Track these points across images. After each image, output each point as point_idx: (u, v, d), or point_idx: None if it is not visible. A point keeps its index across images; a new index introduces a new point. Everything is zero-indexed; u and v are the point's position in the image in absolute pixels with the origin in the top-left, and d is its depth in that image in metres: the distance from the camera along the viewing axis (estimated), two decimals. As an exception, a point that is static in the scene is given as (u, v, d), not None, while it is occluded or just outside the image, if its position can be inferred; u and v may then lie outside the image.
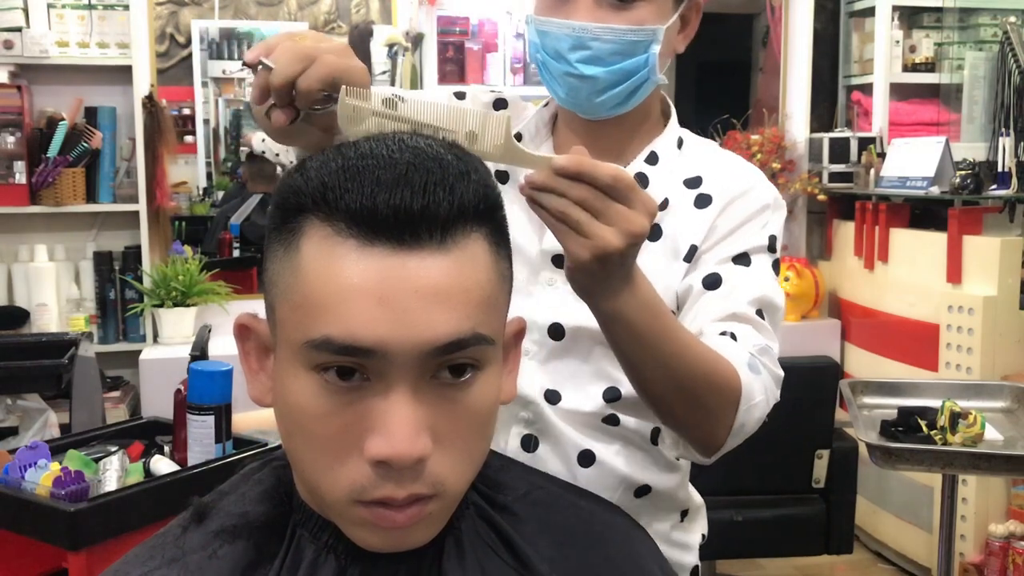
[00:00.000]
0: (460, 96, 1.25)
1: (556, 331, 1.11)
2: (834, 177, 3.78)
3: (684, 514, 1.21)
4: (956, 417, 2.10)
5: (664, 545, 1.15)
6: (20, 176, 3.28)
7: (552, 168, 0.81)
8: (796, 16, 3.98)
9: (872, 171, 3.65)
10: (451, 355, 0.68)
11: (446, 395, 0.70)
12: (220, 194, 3.65)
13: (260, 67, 0.92)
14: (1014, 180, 3.16)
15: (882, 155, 3.68)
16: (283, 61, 0.90)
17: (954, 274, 3.15)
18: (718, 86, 4.43)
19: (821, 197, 3.82)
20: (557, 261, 1.10)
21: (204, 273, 3.34)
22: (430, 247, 0.67)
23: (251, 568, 0.76)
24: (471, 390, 0.71)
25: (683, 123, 1.21)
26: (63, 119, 3.33)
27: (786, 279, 3.63)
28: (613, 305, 0.88)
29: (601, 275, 0.85)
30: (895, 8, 3.84)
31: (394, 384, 0.68)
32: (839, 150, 3.78)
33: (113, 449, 1.69)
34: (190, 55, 3.54)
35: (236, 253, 3.59)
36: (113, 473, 1.59)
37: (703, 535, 1.25)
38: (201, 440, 1.62)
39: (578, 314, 1.04)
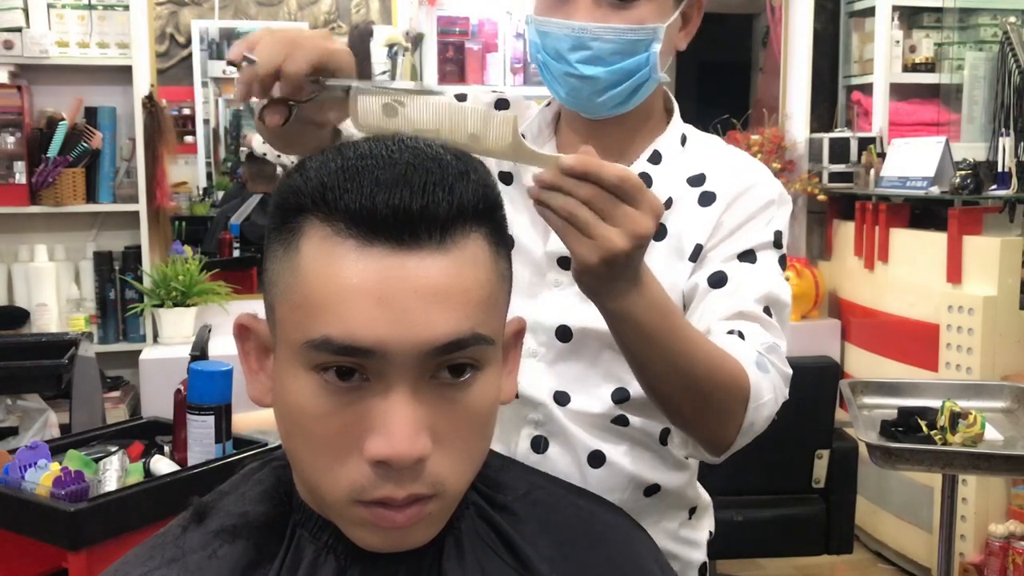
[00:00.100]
0: (461, 98, 1.24)
1: (563, 333, 1.10)
2: (834, 177, 3.78)
3: (692, 511, 1.21)
4: (956, 417, 2.10)
5: (673, 542, 1.17)
6: (20, 176, 3.28)
7: (559, 167, 0.81)
8: (796, 16, 3.98)
9: (872, 171, 3.65)
10: (451, 355, 0.68)
11: (446, 395, 0.70)
12: (220, 194, 3.65)
13: (244, 63, 0.92)
14: (1014, 180, 3.16)
15: (882, 155, 3.68)
16: (266, 51, 0.91)
17: (954, 274, 3.15)
18: (718, 86, 4.43)
19: (821, 197, 3.82)
20: (563, 263, 1.10)
21: (204, 273, 3.34)
22: (429, 247, 0.67)
23: (251, 568, 0.76)
24: (471, 390, 0.71)
25: (684, 122, 1.21)
26: (63, 119, 3.33)
27: (786, 279, 3.62)
28: (621, 305, 0.88)
29: (607, 276, 0.84)
30: (895, 8, 3.84)
31: (394, 384, 0.68)
32: (839, 150, 3.78)
33: (113, 449, 1.69)
34: (190, 55, 3.54)
35: (236, 253, 3.59)
36: (113, 473, 1.59)
37: (710, 532, 1.25)
38: (201, 440, 1.62)
39: (585, 316, 1.04)
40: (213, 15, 3.56)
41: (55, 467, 1.51)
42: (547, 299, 1.11)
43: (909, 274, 3.38)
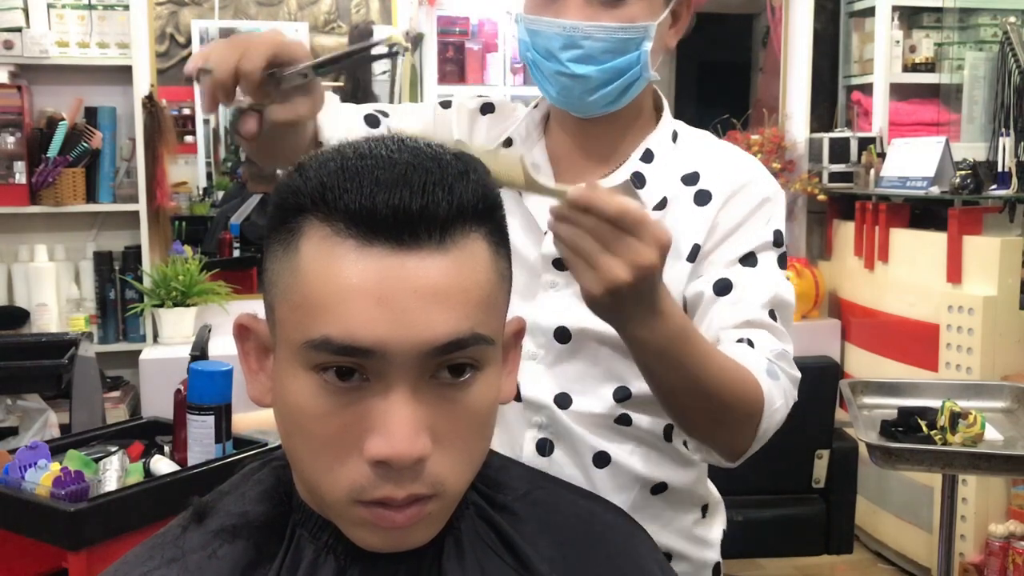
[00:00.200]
0: (446, 105, 1.24)
1: (562, 334, 1.10)
2: (834, 177, 3.78)
3: (704, 509, 1.21)
4: (956, 417, 2.10)
5: (686, 543, 1.16)
6: (20, 176, 3.28)
7: (567, 199, 0.81)
8: (796, 16, 3.98)
9: (872, 171, 3.65)
10: (450, 355, 0.68)
11: (445, 395, 0.70)
12: (220, 194, 3.65)
13: (202, 74, 0.94)
14: (1014, 180, 3.16)
15: (882, 155, 3.69)
16: (219, 56, 0.93)
17: (954, 274, 3.15)
18: (718, 86, 4.43)
19: (821, 197, 3.82)
20: (558, 264, 1.10)
21: (204, 273, 3.34)
22: (429, 247, 0.67)
23: (251, 568, 0.76)
24: (470, 390, 0.71)
25: (685, 122, 1.21)
26: (63, 119, 3.33)
27: (786, 279, 3.63)
28: (639, 334, 0.88)
29: (615, 307, 0.84)
30: (895, 8, 3.85)
31: (393, 384, 0.68)
32: (839, 150, 3.79)
33: (113, 449, 1.69)
34: (190, 55, 3.53)
35: (236, 253, 3.59)
36: (113, 473, 1.59)
37: (723, 530, 1.24)
38: (201, 440, 1.62)
39: (582, 316, 1.04)
40: (213, 15, 3.56)
41: (55, 467, 1.51)
42: (544, 301, 1.11)
43: (909, 274, 3.38)
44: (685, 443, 1.13)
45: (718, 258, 1.08)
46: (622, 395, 1.10)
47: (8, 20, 3.28)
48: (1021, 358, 3.04)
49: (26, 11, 3.33)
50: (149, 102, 3.36)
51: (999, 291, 3.03)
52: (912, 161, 3.46)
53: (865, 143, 3.76)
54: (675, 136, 1.16)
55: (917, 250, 3.35)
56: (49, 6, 3.37)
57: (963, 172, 3.19)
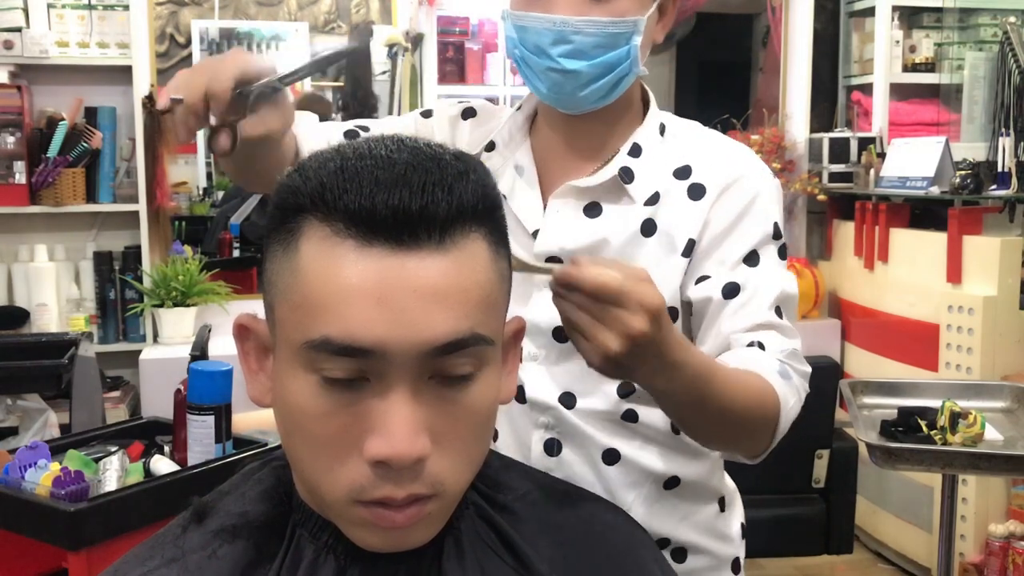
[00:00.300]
0: (427, 114, 1.24)
1: (560, 333, 1.09)
2: (834, 177, 3.78)
3: (722, 502, 1.20)
4: (956, 417, 2.10)
5: (706, 537, 1.16)
6: (20, 176, 3.28)
7: (553, 277, 0.82)
8: (796, 16, 3.98)
9: (872, 171, 3.65)
10: (450, 355, 0.68)
11: (445, 395, 0.70)
12: (220, 194, 3.65)
13: (174, 104, 0.98)
14: (1014, 180, 3.16)
15: (882, 155, 3.69)
16: (187, 83, 0.98)
17: (954, 274, 3.15)
18: (718, 86, 4.43)
19: (821, 197, 3.82)
20: (551, 262, 1.09)
21: (204, 273, 3.34)
22: (429, 247, 0.67)
23: (251, 568, 0.77)
24: (470, 390, 0.71)
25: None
26: (63, 119, 3.33)
27: (787, 271, 3.63)
28: (656, 385, 0.88)
29: (620, 373, 0.85)
30: (895, 8, 3.85)
31: (393, 384, 0.68)
32: (839, 150, 3.79)
33: (113, 449, 1.69)
34: (190, 55, 3.54)
35: (236, 253, 3.59)
36: (113, 473, 1.58)
37: (742, 524, 1.24)
38: (201, 440, 1.62)
39: None
40: (213, 15, 3.56)
41: (55, 467, 1.51)
42: (539, 300, 1.10)
43: (909, 274, 3.38)
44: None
45: (721, 259, 1.08)
46: (626, 390, 1.10)
47: (8, 20, 3.28)
48: (1021, 358, 3.03)
49: (26, 11, 3.33)
50: (149, 102, 3.36)
51: (999, 291, 3.03)
52: (912, 161, 3.46)
53: (865, 143, 3.76)
54: (663, 129, 1.15)
55: (917, 250, 3.35)
56: (49, 6, 3.37)
57: (963, 172, 3.19)
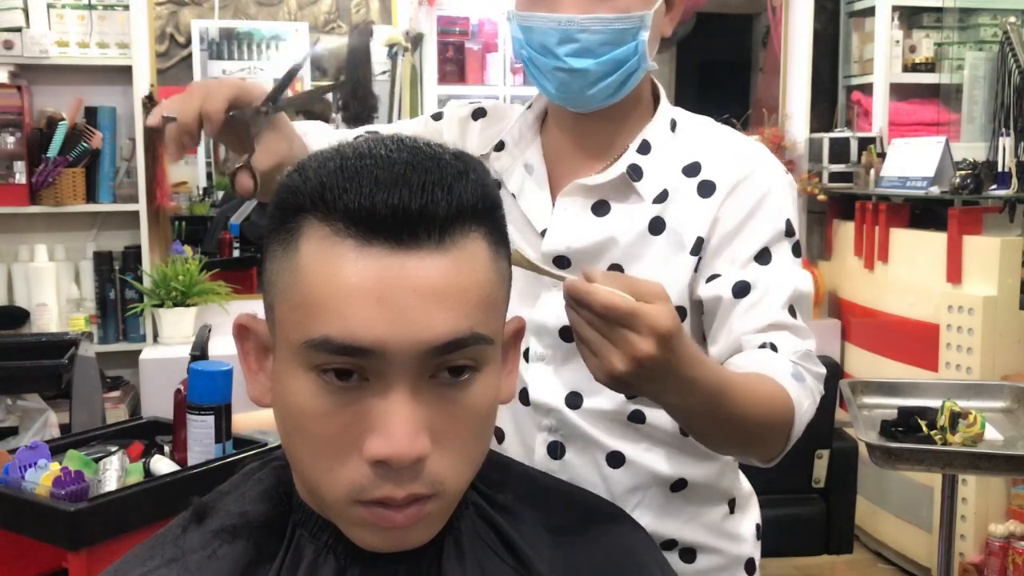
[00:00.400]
0: (438, 117, 1.24)
1: (567, 333, 1.08)
2: (834, 177, 3.78)
3: (732, 504, 1.18)
4: (956, 417, 2.10)
5: (714, 537, 1.15)
6: (20, 176, 3.28)
7: (564, 288, 0.81)
8: (796, 16, 3.98)
9: (872, 171, 3.65)
10: (450, 355, 0.68)
11: (445, 395, 0.70)
12: (220, 194, 3.65)
13: (167, 122, 1.01)
14: (1014, 180, 3.16)
15: (882, 155, 3.69)
16: (182, 103, 1.00)
17: (954, 274, 3.15)
18: (718, 86, 4.43)
19: (821, 197, 3.82)
20: (559, 262, 1.09)
21: (204, 273, 3.34)
22: (428, 247, 0.67)
23: (251, 568, 0.77)
24: (470, 390, 0.71)
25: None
26: (63, 119, 3.33)
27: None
28: (669, 401, 0.87)
29: (628, 390, 0.84)
30: (895, 8, 3.85)
31: (393, 384, 0.68)
32: (839, 150, 3.79)
33: (113, 449, 1.69)
34: (190, 55, 3.54)
35: (236, 253, 3.59)
36: (113, 473, 1.58)
37: (757, 525, 1.22)
38: (201, 440, 1.62)
39: None
40: (213, 15, 3.56)
41: (55, 467, 1.50)
42: (547, 300, 1.10)
43: (909, 274, 3.38)
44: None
45: (732, 257, 1.06)
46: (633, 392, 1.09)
47: (8, 20, 3.28)
48: (1021, 358, 3.03)
49: (26, 11, 3.33)
50: (149, 102, 3.36)
51: (999, 291, 3.03)
52: (912, 161, 3.46)
53: (865, 143, 3.77)
54: (673, 125, 1.13)
55: (917, 250, 3.35)
56: (49, 6, 3.37)
57: (963, 172, 3.19)
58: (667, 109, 1.15)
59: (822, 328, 3.78)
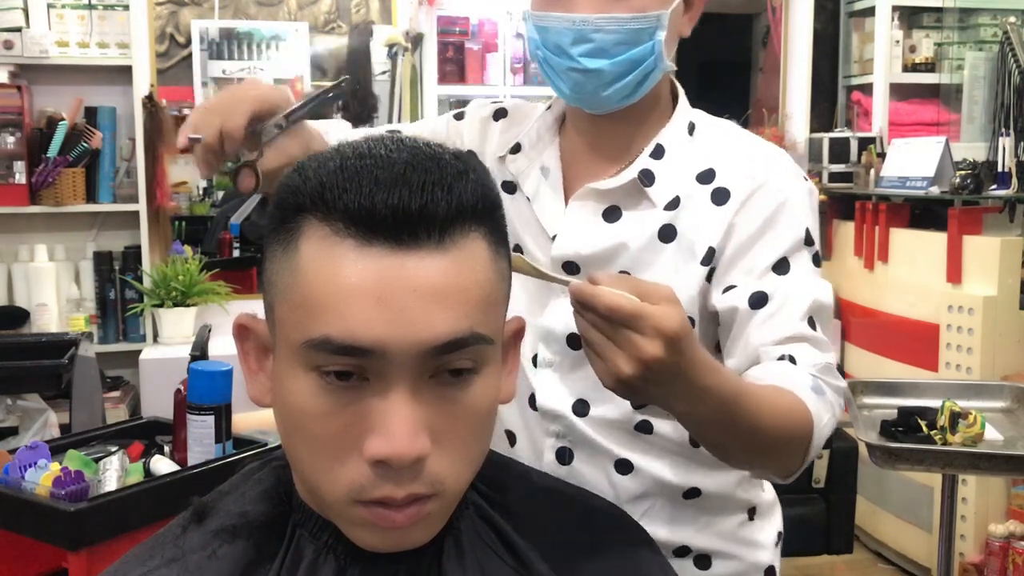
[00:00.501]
0: (459, 117, 1.23)
1: (575, 340, 1.07)
2: (834, 177, 3.78)
3: (752, 511, 1.16)
4: (956, 417, 2.10)
5: (730, 543, 1.13)
6: (20, 176, 3.28)
7: (569, 291, 0.79)
8: (796, 16, 3.99)
9: (872, 171, 3.65)
10: (449, 354, 0.68)
11: (445, 395, 0.70)
12: (220, 194, 3.65)
13: (193, 143, 1.05)
14: (1014, 180, 3.16)
15: (882, 155, 3.69)
16: (203, 122, 1.03)
17: (954, 274, 3.15)
18: (718, 86, 4.43)
19: (821, 197, 3.81)
20: (568, 268, 1.08)
21: (204, 273, 3.34)
22: (428, 247, 0.67)
23: (251, 568, 0.77)
24: (470, 390, 0.71)
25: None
26: (63, 119, 3.33)
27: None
28: (678, 409, 0.83)
29: (634, 395, 0.81)
30: (895, 8, 3.85)
31: (393, 384, 0.68)
32: (839, 150, 3.79)
33: (113, 449, 1.69)
34: (190, 55, 3.54)
35: (236, 253, 3.59)
36: (113, 473, 1.58)
37: (779, 532, 1.19)
38: (201, 440, 1.62)
39: None
40: (213, 15, 3.56)
41: (55, 467, 1.50)
42: (555, 307, 1.09)
43: (909, 274, 3.38)
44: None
45: (748, 267, 1.02)
46: (640, 402, 1.05)
47: (8, 20, 3.28)
48: (1021, 358, 3.03)
49: (26, 11, 3.33)
50: (149, 102, 3.37)
51: (999, 291, 3.03)
52: (912, 161, 3.46)
53: (865, 143, 3.77)
54: (692, 128, 1.11)
55: (917, 250, 3.35)
56: (49, 6, 3.37)
57: (963, 172, 3.19)
58: (686, 112, 1.12)
59: (822, 328, 3.77)
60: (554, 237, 1.09)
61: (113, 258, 3.48)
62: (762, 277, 1.02)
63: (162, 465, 1.63)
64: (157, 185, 3.39)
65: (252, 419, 1.88)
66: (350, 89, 3.58)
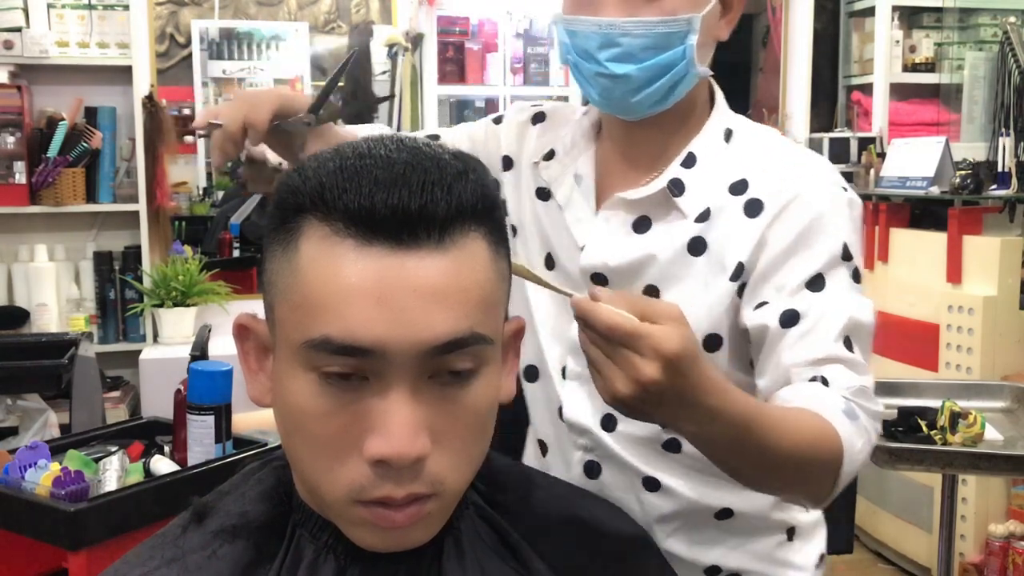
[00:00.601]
0: (498, 121, 1.21)
1: None
2: (834, 177, 3.77)
3: (791, 532, 1.11)
4: (956, 417, 2.10)
5: (765, 564, 1.09)
6: (20, 176, 3.28)
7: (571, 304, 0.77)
8: (796, 16, 3.99)
9: (872, 171, 3.65)
10: (449, 354, 0.68)
11: (445, 394, 0.70)
12: (220, 194, 3.65)
13: (212, 128, 1.06)
14: (1014, 180, 3.16)
15: (882, 155, 3.69)
16: (228, 111, 1.04)
17: (954, 274, 3.15)
18: (718, 86, 4.43)
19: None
20: (596, 279, 1.06)
21: (204, 273, 3.34)
22: (428, 247, 0.67)
23: (251, 568, 0.77)
24: (470, 389, 0.71)
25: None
26: (63, 119, 3.33)
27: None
28: (685, 429, 0.80)
29: (630, 413, 0.78)
30: (895, 8, 3.85)
31: (393, 384, 0.68)
32: (839, 150, 3.78)
33: (113, 449, 1.68)
34: (190, 55, 3.54)
35: (236, 253, 3.59)
36: (113, 473, 1.58)
37: (821, 555, 1.14)
38: (201, 440, 1.62)
39: None
40: (213, 15, 3.56)
41: (55, 467, 1.50)
42: None
43: (909, 274, 3.38)
44: None
45: (780, 283, 0.97)
46: None
47: (8, 20, 3.28)
48: (1021, 358, 3.03)
49: (26, 11, 3.33)
50: (149, 102, 3.37)
51: (999, 291, 3.03)
52: (912, 161, 3.46)
53: (865, 143, 3.76)
54: (728, 135, 1.07)
55: (917, 250, 3.35)
56: (49, 6, 3.37)
57: (963, 172, 3.19)
58: (723, 118, 1.08)
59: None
60: (583, 248, 1.07)
61: (113, 258, 3.48)
62: (795, 294, 0.97)
63: (162, 465, 1.62)
64: (157, 185, 3.39)
65: (252, 419, 1.88)
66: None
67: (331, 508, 0.73)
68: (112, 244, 3.50)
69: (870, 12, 3.93)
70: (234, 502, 0.81)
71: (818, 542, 1.15)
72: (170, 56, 3.53)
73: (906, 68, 3.90)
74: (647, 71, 0.99)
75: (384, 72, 3.70)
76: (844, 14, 4.11)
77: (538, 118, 1.18)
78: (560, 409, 1.10)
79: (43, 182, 3.29)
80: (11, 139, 3.27)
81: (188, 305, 3.32)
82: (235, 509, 0.80)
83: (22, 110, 3.27)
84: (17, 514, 1.49)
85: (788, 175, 1.01)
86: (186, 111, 3.55)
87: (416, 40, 3.71)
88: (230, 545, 0.77)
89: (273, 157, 1.18)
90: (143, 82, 3.39)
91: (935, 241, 3.23)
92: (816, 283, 0.97)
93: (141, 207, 3.39)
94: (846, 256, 0.98)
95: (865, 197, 3.61)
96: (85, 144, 3.35)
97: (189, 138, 3.55)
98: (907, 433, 2.14)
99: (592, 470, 1.09)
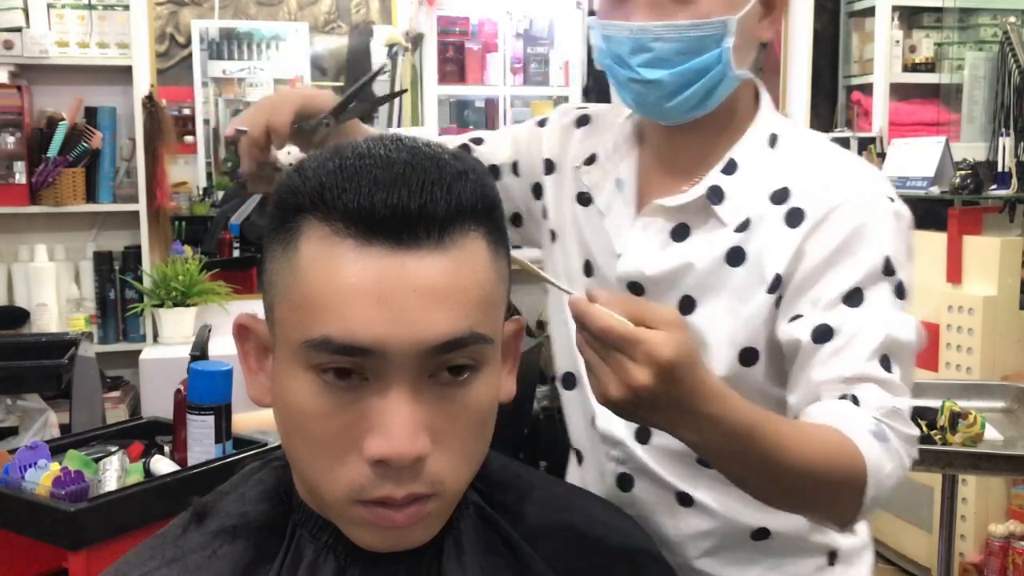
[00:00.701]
0: (542, 123, 1.19)
1: None
2: (834, 177, 3.77)
3: (833, 556, 1.07)
4: (956, 417, 2.10)
5: None
6: (20, 176, 3.28)
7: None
8: (796, 16, 3.99)
9: (872, 171, 3.65)
10: (449, 354, 0.68)
11: (445, 394, 0.70)
12: (220, 194, 3.65)
13: (239, 135, 1.08)
14: (1014, 180, 3.16)
15: (882, 155, 3.68)
16: (251, 117, 1.06)
17: (954, 274, 3.15)
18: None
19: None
20: (633, 287, 1.04)
21: (204, 273, 3.34)
22: (428, 246, 0.67)
23: (251, 568, 0.77)
24: (470, 389, 0.71)
25: None
26: (63, 119, 3.33)
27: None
28: (683, 436, 0.78)
29: (624, 416, 0.77)
30: (895, 8, 3.85)
31: (393, 383, 0.68)
32: (839, 150, 3.78)
33: (113, 449, 1.68)
34: (190, 55, 3.54)
35: (236, 253, 3.59)
36: (113, 473, 1.58)
37: None
38: (201, 440, 1.62)
39: None
40: (213, 15, 3.56)
41: (55, 467, 1.50)
42: None
43: (909, 274, 3.37)
44: None
45: (815, 297, 0.94)
46: None
47: (8, 20, 3.28)
48: (1021, 358, 3.03)
49: (26, 11, 3.33)
50: (149, 102, 3.37)
51: (999, 291, 3.03)
52: (912, 161, 3.46)
53: (865, 143, 3.77)
54: (773, 140, 1.03)
55: (917, 250, 3.33)
56: (49, 6, 3.37)
57: (963, 172, 3.19)
58: (768, 122, 1.04)
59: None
60: (620, 255, 1.05)
61: (113, 258, 3.48)
62: (830, 309, 0.93)
63: (162, 465, 1.63)
64: (157, 185, 3.40)
65: (252, 419, 1.88)
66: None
67: (331, 508, 0.73)
68: (112, 244, 3.50)
69: (870, 12, 3.93)
70: (234, 502, 0.81)
71: (863, 567, 1.10)
72: (170, 56, 3.53)
73: (906, 68, 3.91)
74: (680, 76, 0.96)
75: (384, 72, 3.70)
76: (844, 14, 4.11)
77: (582, 121, 1.16)
78: (594, 419, 1.09)
79: (43, 182, 3.30)
80: (11, 139, 3.27)
81: (188, 305, 3.32)
82: (235, 509, 0.80)
83: (22, 110, 3.27)
84: (17, 514, 1.49)
85: (832, 184, 0.97)
86: (186, 111, 3.55)
87: (416, 40, 3.71)
88: (230, 545, 0.77)
89: (284, 157, 1.18)
90: (143, 82, 3.39)
91: (935, 241, 3.23)
92: (853, 298, 0.93)
93: (141, 207, 3.40)
94: (888, 270, 0.94)
95: (865, 197, 3.62)
96: (85, 144, 3.35)
97: (189, 138, 3.55)
98: (907, 433, 2.14)
99: (625, 483, 1.07)
